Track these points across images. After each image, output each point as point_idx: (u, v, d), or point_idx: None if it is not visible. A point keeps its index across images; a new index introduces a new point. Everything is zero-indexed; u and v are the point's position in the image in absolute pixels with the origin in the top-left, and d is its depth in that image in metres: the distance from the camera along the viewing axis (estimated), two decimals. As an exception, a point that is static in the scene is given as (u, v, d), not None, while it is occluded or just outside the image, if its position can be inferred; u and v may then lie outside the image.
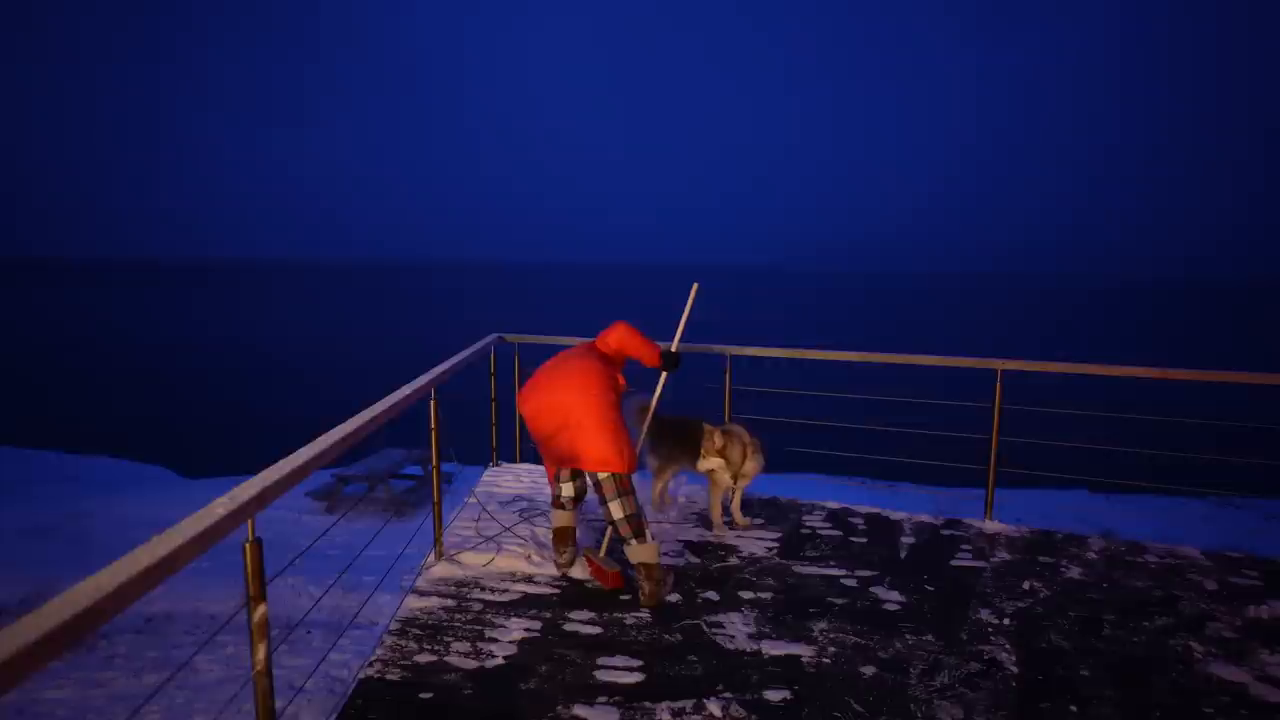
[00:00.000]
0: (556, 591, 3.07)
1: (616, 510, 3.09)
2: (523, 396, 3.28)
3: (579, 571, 3.25)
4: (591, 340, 3.53)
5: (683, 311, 3.65)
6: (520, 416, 3.71)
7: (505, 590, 3.07)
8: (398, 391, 2.69)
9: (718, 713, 2.29)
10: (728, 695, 2.37)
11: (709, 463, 3.70)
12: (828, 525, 3.86)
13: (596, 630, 2.77)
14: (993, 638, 2.77)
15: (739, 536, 3.70)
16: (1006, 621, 2.89)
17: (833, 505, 4.15)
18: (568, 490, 3.39)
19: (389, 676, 2.45)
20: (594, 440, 3.06)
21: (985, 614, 2.95)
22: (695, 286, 3.66)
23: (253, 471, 1.78)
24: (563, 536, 3.34)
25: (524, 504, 4.07)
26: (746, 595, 3.07)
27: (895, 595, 3.09)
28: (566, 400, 3.11)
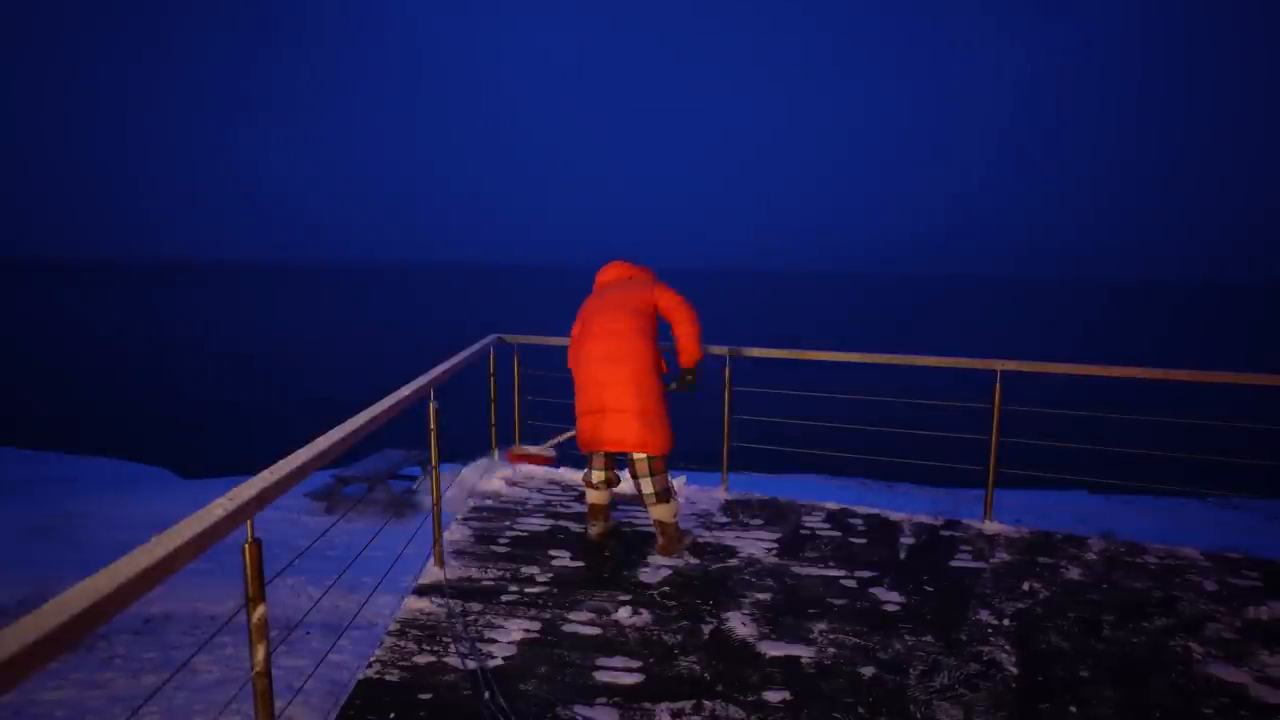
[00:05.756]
0: (556, 591, 3.07)
1: (647, 486, 3.34)
2: (573, 356, 3.50)
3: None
4: (646, 279, 3.58)
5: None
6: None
7: (505, 590, 3.07)
8: (397, 392, 2.69)
9: (718, 713, 2.29)
10: (727, 696, 2.37)
11: None
12: (827, 526, 3.86)
13: (596, 631, 2.77)
14: (992, 638, 2.77)
15: (738, 537, 3.70)
16: (1006, 622, 2.89)
17: (832, 506, 4.15)
18: (599, 477, 3.54)
19: (388, 677, 2.45)
20: (634, 426, 3.29)
21: (985, 615, 2.95)
22: None
23: (252, 472, 1.77)
24: (596, 512, 3.56)
25: (522, 504, 4.06)
26: (746, 596, 3.07)
27: (895, 596, 3.09)
28: (617, 379, 3.28)
